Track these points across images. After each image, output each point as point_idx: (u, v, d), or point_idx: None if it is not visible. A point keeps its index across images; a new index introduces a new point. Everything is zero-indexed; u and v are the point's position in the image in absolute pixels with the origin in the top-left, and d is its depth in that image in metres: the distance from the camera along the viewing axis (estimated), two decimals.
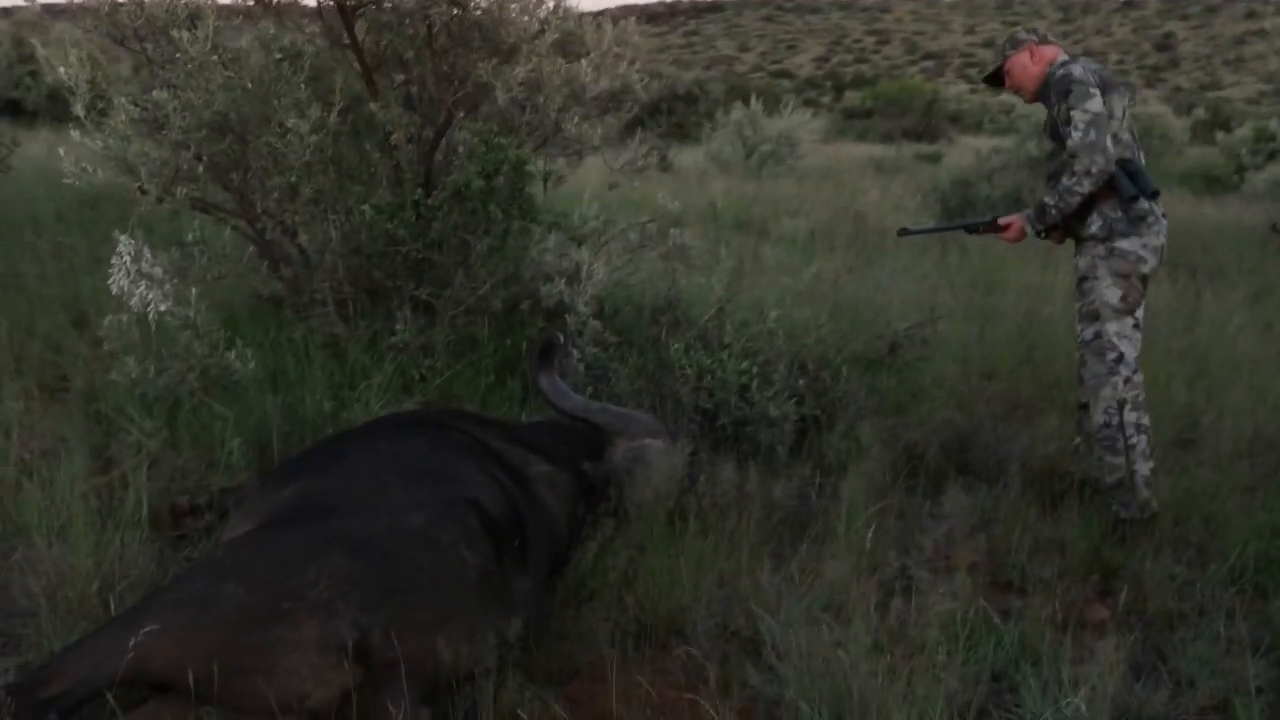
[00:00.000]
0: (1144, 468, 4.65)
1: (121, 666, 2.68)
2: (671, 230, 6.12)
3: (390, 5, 5.34)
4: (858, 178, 14.90)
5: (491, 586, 3.14)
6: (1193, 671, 3.57)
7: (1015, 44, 4.95)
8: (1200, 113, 36.95)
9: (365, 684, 2.76)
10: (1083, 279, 4.77)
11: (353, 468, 3.40)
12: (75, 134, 5.26)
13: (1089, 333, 4.75)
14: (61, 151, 5.28)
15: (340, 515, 3.13)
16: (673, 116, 24.24)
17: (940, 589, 3.86)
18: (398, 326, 5.13)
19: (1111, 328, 4.69)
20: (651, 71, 25.29)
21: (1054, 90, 4.68)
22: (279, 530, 3.11)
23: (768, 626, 3.41)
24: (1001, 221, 5.02)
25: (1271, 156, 11.53)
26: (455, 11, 5.41)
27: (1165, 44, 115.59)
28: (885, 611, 3.53)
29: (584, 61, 5.72)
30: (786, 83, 79.49)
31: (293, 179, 5.33)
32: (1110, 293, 4.68)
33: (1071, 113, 4.55)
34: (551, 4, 6.01)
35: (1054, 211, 4.68)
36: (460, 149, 5.61)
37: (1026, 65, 4.89)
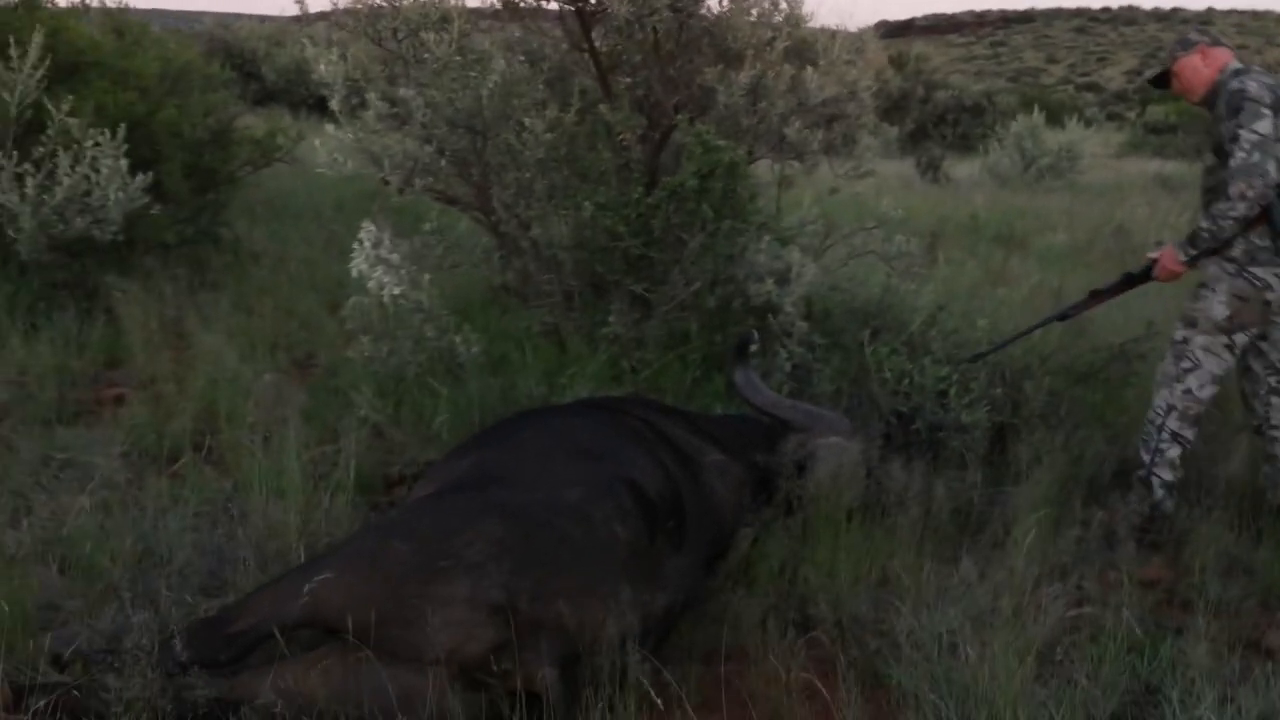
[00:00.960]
0: (1166, 474, 4.73)
1: (297, 610, 2.97)
2: (898, 237, 6.15)
3: (621, 12, 5.55)
4: (1135, 193, 14.40)
5: (641, 563, 3.30)
6: None
7: (1187, 45, 4.79)
8: None
9: (510, 643, 2.96)
10: (1201, 285, 4.70)
11: (525, 444, 3.63)
12: (330, 127, 5.69)
13: (1180, 334, 4.76)
14: (317, 143, 5.72)
15: (505, 486, 3.37)
16: (958, 127, 23.88)
17: (1109, 601, 3.85)
18: (610, 318, 5.35)
19: (1201, 339, 4.68)
20: (938, 83, 25.09)
21: (1224, 103, 4.53)
22: (449, 496, 3.36)
23: (908, 622, 3.46)
24: (1151, 256, 4.89)
25: None
26: (677, 18, 5.59)
27: None
28: (1042, 617, 3.53)
29: (809, 69, 5.82)
30: (1091, 95, 76.92)
31: (528, 175, 5.62)
32: (1219, 308, 4.63)
33: (1239, 131, 4.41)
34: (785, 11, 6.19)
35: (1207, 236, 4.53)
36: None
37: (1198, 68, 4.74)
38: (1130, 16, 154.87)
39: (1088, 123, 30.02)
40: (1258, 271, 4.54)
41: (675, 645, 3.50)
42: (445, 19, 5.65)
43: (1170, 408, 4.70)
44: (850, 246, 6.21)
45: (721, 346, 5.42)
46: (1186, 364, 4.69)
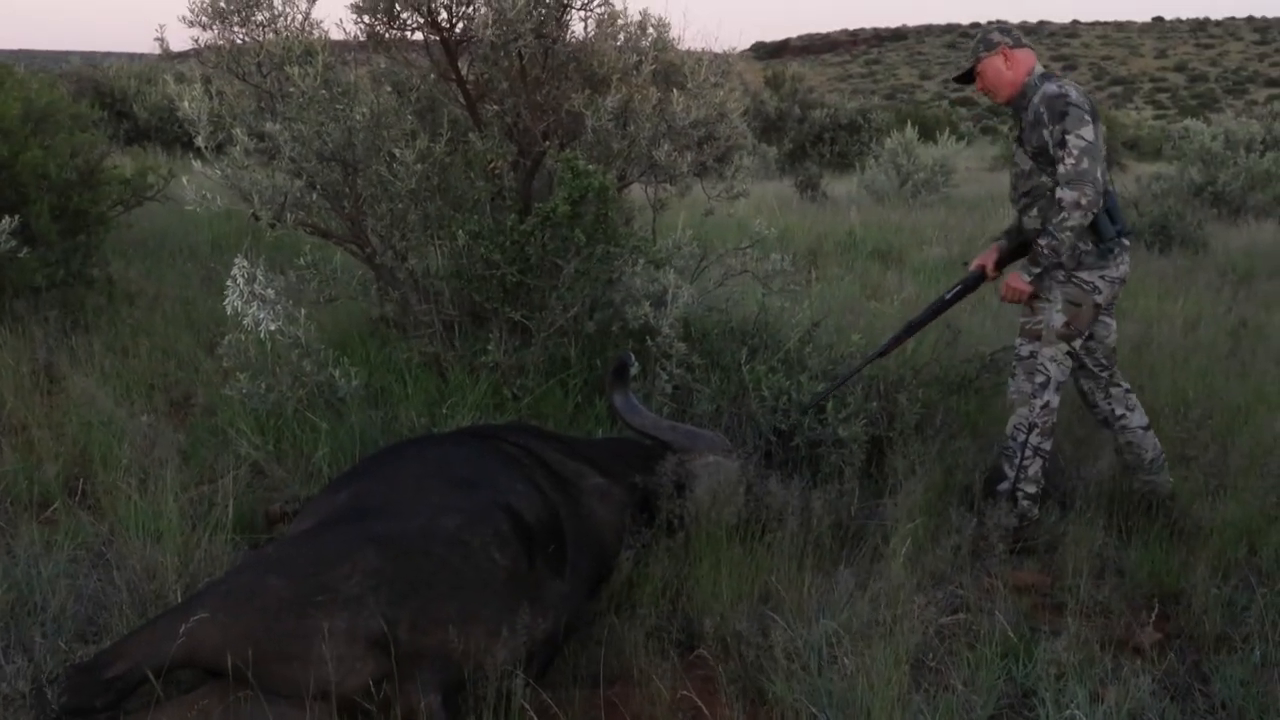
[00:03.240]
0: (1029, 487, 4.81)
1: (173, 651, 2.92)
2: (773, 256, 6.23)
3: (485, 39, 5.57)
4: (1007, 205, 14.68)
5: (521, 588, 3.30)
6: (1229, 695, 3.55)
7: (989, 46, 4.86)
8: None
9: (391, 674, 2.95)
10: (1034, 297, 4.78)
11: (401, 474, 3.62)
12: (196, 164, 5.63)
13: (1025, 350, 4.84)
14: (185, 180, 5.65)
15: (382, 517, 3.35)
16: (835, 145, 24.18)
17: (987, 608, 3.93)
18: (489, 346, 5.35)
19: (1047, 351, 4.77)
20: (814, 102, 25.40)
21: (1047, 108, 4.62)
22: (325, 530, 3.34)
23: (787, 637, 3.50)
24: (974, 266, 4.99)
25: None
26: (542, 44, 5.63)
27: None
28: (918, 626, 3.60)
29: (676, 92, 5.88)
30: (965, 110, 78.48)
31: (401, 206, 5.60)
32: (1057, 317, 4.74)
33: (1066, 136, 4.51)
34: (652, 35, 6.25)
35: (1047, 252, 4.61)
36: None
37: (1000, 69, 4.83)
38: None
39: (961, 137, 30.63)
40: (1084, 275, 4.69)
41: (559, 670, 3.52)
42: (309, 52, 5.63)
43: (1031, 425, 4.78)
44: (726, 267, 6.28)
45: (601, 371, 5.45)
46: (1040, 378, 4.78)
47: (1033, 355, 4.79)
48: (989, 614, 3.84)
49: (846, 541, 4.35)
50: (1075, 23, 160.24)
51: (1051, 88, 4.66)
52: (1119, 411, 4.95)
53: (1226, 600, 4.08)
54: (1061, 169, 4.50)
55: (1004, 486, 4.80)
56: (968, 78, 4.99)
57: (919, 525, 4.19)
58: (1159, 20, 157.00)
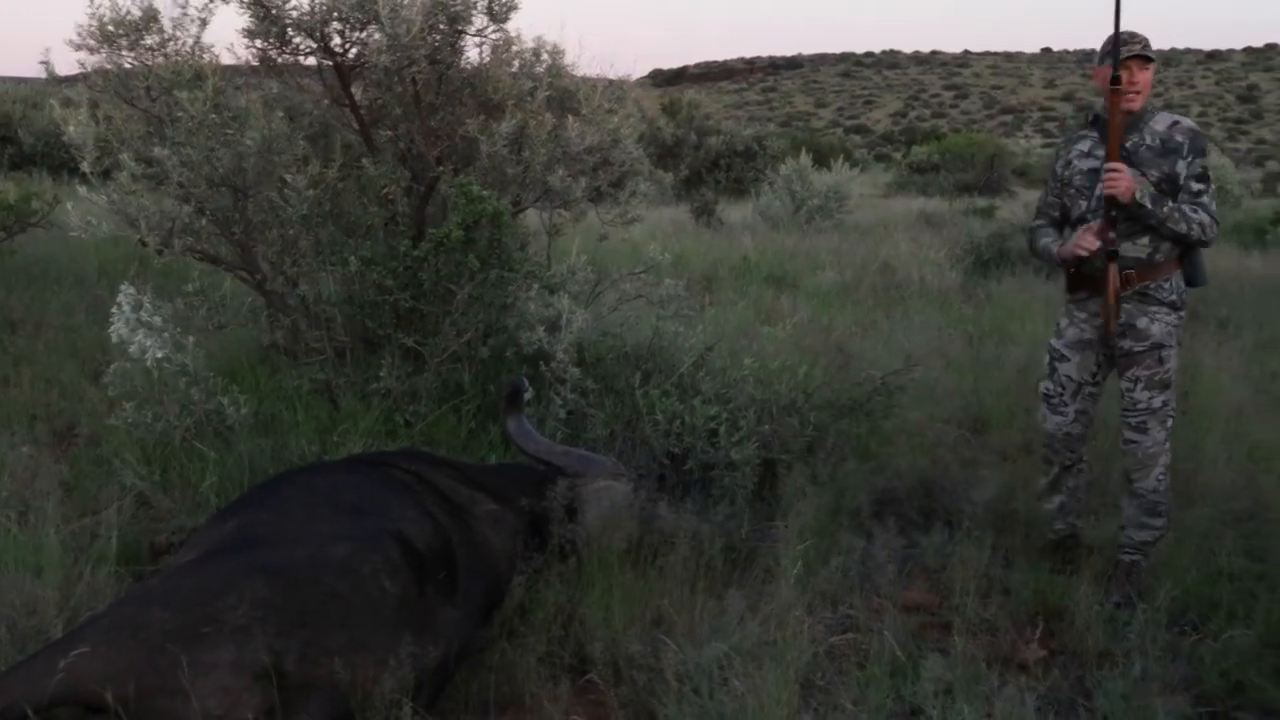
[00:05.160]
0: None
1: (52, 687, 2.85)
2: (667, 281, 6.27)
3: (379, 64, 5.55)
4: (899, 232, 14.96)
5: (412, 616, 3.28)
6: (1110, 708, 3.63)
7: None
8: (1274, 164, 36.49)
9: (279, 706, 2.91)
10: (1159, 346, 4.56)
11: (289, 503, 3.58)
12: (82, 189, 5.54)
13: (1158, 400, 4.60)
14: (69, 206, 5.55)
15: (269, 546, 3.31)
16: (731, 172, 24.38)
17: (876, 628, 3.99)
18: (381, 373, 5.32)
19: (1173, 399, 4.66)
20: (710, 129, 25.58)
21: (1189, 140, 4.51)
22: (211, 560, 3.28)
23: (678, 659, 3.52)
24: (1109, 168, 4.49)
25: None
26: (436, 69, 5.63)
27: (1249, 96, 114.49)
28: (808, 646, 3.64)
29: (571, 118, 5.90)
30: (859, 138, 79.67)
31: (292, 232, 5.55)
32: (1176, 363, 4.65)
33: (1208, 171, 4.53)
34: (547, 62, 6.27)
35: (1178, 223, 4.46)
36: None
37: (1150, 82, 4.61)
38: (893, 60, 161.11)
39: (855, 164, 31.06)
40: (1183, 316, 4.69)
41: (450, 697, 3.50)
42: (199, 76, 5.56)
43: (1169, 468, 4.68)
44: (621, 292, 6.30)
45: (495, 396, 5.43)
46: (1170, 424, 4.66)
47: (1165, 405, 4.62)
48: (878, 633, 3.89)
49: (738, 564, 4.39)
50: (966, 53, 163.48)
51: (1187, 120, 4.60)
52: (1085, 456, 4.99)
53: (1108, 616, 4.17)
54: (1206, 201, 4.49)
55: (1154, 536, 4.67)
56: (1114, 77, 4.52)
57: (809, 547, 4.24)
58: (1047, 51, 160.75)
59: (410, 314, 5.46)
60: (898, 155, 50.09)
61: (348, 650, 3.07)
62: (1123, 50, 4.46)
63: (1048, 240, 4.78)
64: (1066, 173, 4.74)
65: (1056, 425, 4.80)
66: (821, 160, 21.91)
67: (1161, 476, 4.64)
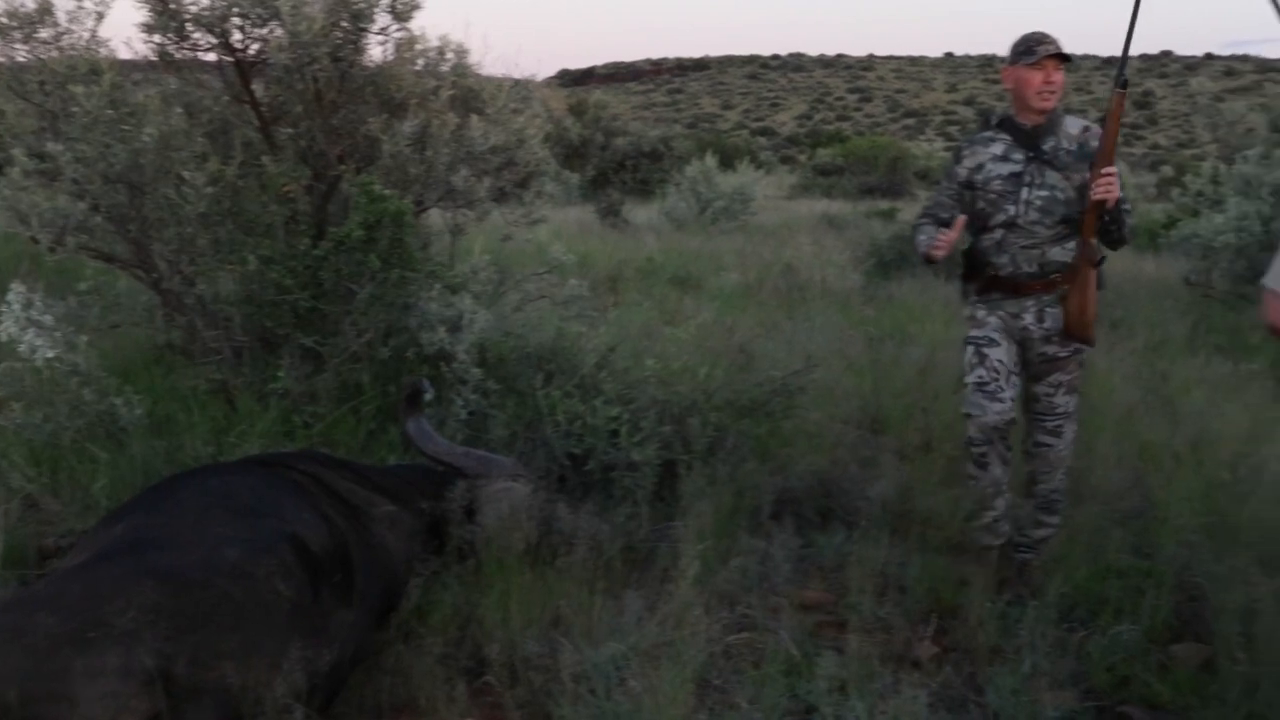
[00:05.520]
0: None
1: None
2: (571, 281, 6.28)
3: (280, 61, 5.50)
4: (802, 234, 15.11)
5: (306, 619, 3.26)
6: (1001, 704, 3.70)
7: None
8: (1168, 169, 37.29)
9: (168, 711, 2.87)
10: (1079, 350, 4.67)
11: (181, 505, 3.53)
12: None
13: (1073, 404, 4.74)
14: None
15: (160, 549, 3.26)
16: (637, 173, 24.45)
17: (773, 627, 4.03)
18: (280, 373, 5.26)
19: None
20: (617, 130, 25.62)
21: (1091, 145, 4.53)
22: (99, 563, 3.23)
23: (574, 660, 3.53)
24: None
25: (1196, 214, 11.78)
26: (338, 67, 5.58)
27: (1144, 102, 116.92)
28: (705, 646, 3.66)
29: (474, 117, 5.89)
30: (765, 140, 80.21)
31: (190, 230, 5.47)
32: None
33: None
34: (452, 61, 6.24)
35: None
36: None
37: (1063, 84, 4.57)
38: (798, 63, 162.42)
39: (760, 166, 31.30)
40: None
41: (345, 700, 3.48)
42: (95, 71, 5.46)
43: (1068, 469, 4.83)
44: (524, 292, 6.29)
45: (396, 397, 5.39)
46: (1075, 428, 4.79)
47: (1076, 409, 4.75)
48: (775, 632, 3.94)
49: (637, 565, 4.41)
50: (871, 56, 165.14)
51: (1094, 125, 4.62)
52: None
53: (1000, 614, 4.24)
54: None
55: (1048, 534, 4.81)
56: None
57: (708, 547, 4.26)
58: (950, 56, 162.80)
59: (310, 314, 5.40)
60: (803, 157, 50.49)
61: (239, 654, 3.04)
62: (1041, 49, 4.47)
63: (924, 236, 4.66)
64: (979, 178, 4.64)
65: (998, 414, 4.60)
66: (727, 162, 22.09)
67: (1063, 476, 4.79)
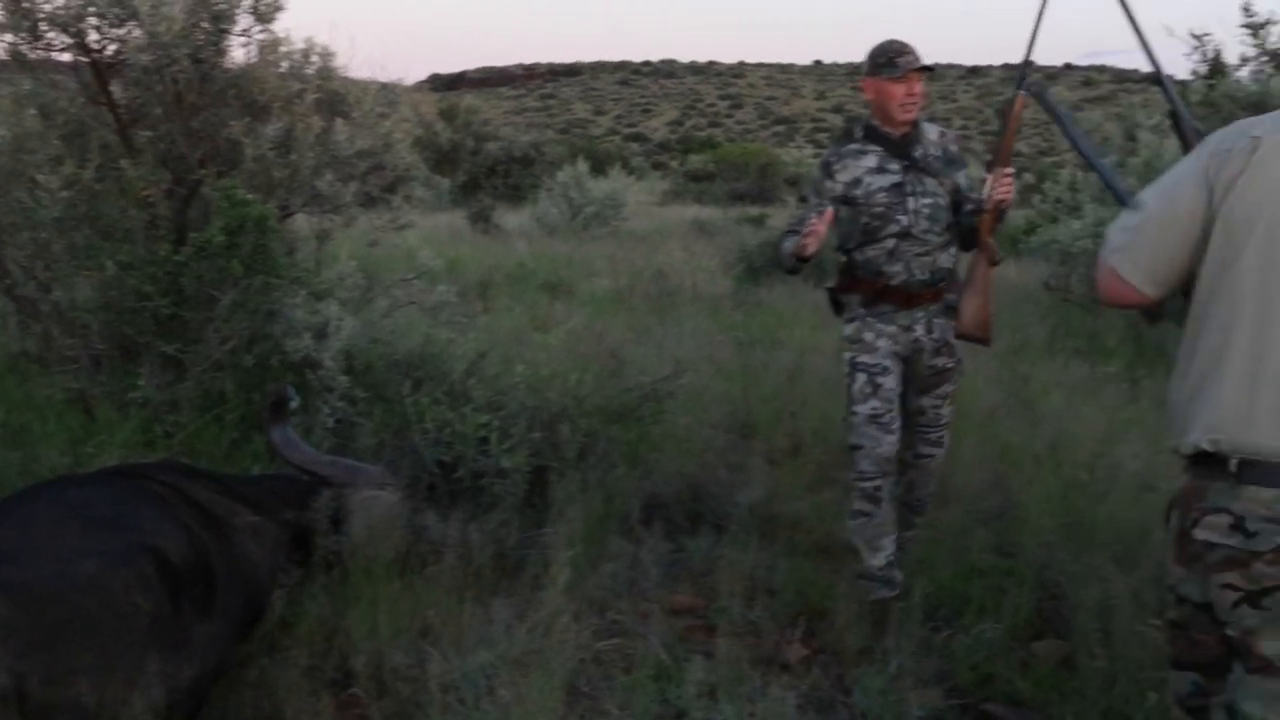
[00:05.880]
0: None
1: None
2: (440, 287, 6.23)
3: (139, 63, 5.38)
4: (673, 239, 15.20)
5: (165, 633, 3.18)
6: (868, 704, 3.75)
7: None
8: (1029, 176, 38.17)
9: None
10: (960, 359, 4.62)
11: (35, 517, 3.42)
12: None
13: (952, 414, 4.74)
14: None
15: (12, 563, 3.15)
16: (508, 178, 24.39)
17: (644, 632, 4.04)
18: (140, 382, 5.14)
19: None
20: (488, 135, 25.53)
21: (958, 150, 4.60)
22: None
23: (443, 670, 3.51)
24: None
25: (1055, 220, 12.11)
26: (199, 69, 5.48)
27: (1006, 110, 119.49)
28: (574, 653, 3.66)
29: (339, 121, 5.82)
30: (637, 145, 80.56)
31: (45, 235, 5.33)
32: None
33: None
34: (317, 63, 6.16)
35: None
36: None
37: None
38: (670, 70, 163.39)
39: (632, 172, 31.42)
40: None
41: (208, 716, 3.40)
42: None
43: None
44: (392, 299, 6.22)
45: (260, 405, 5.30)
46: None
47: (953, 417, 4.75)
48: (644, 638, 3.95)
49: (507, 572, 4.39)
50: (742, 64, 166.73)
51: (949, 130, 4.64)
52: None
53: (869, 612, 4.30)
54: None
55: (914, 534, 4.81)
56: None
57: (578, 553, 4.26)
58: (819, 63, 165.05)
59: (171, 321, 5.29)
60: (674, 163, 50.74)
61: (96, 670, 2.95)
62: (903, 62, 4.42)
63: (789, 242, 4.43)
64: (859, 192, 4.46)
65: (891, 445, 4.46)
66: (599, 168, 22.13)
67: (935, 482, 4.83)
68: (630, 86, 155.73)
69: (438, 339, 5.77)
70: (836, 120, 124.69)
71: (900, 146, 4.51)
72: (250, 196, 5.24)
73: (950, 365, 4.57)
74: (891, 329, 4.48)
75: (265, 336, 5.48)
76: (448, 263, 11.95)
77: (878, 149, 4.52)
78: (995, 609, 4.35)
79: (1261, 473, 2.32)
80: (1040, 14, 4.15)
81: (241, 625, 3.65)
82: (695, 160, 38.93)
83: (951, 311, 4.47)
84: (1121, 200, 2.87)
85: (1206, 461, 2.39)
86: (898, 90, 4.42)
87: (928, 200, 4.45)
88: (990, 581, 4.54)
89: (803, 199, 4.71)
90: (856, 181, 4.49)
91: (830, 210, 4.34)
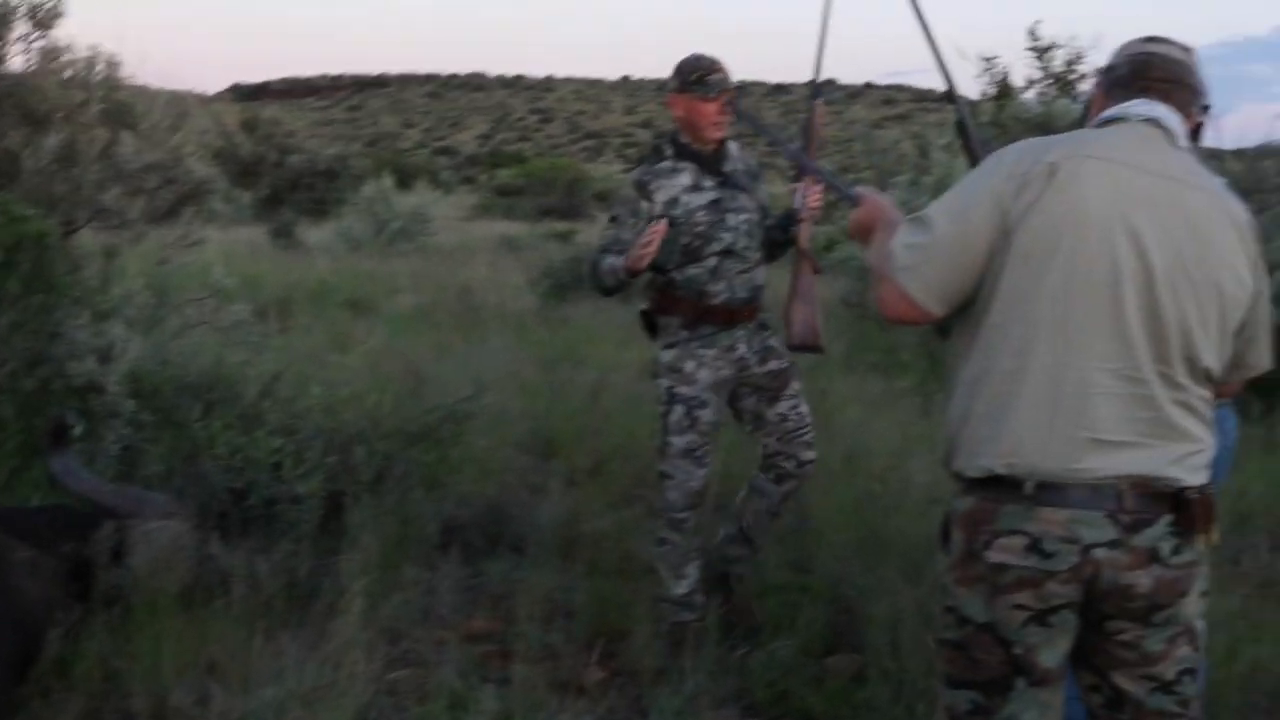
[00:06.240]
0: None
1: None
2: (234, 306, 6.06)
3: None
4: (481, 255, 15.12)
5: None
6: None
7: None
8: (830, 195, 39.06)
9: None
10: (792, 361, 4.57)
11: None
12: None
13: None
14: None
15: None
16: (313, 192, 23.97)
17: (439, 660, 3.97)
18: None
19: None
20: (292, 147, 25.07)
21: (757, 167, 4.61)
22: None
23: (227, 707, 3.40)
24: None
25: None
26: None
27: (809, 123, 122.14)
28: (370, 686, 3.58)
29: (126, 133, 5.63)
30: (446, 159, 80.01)
31: None
32: None
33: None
34: (102, 73, 5.95)
35: None
36: None
37: None
38: (479, 83, 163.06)
39: (440, 186, 31.23)
40: None
41: None
42: None
43: None
44: (183, 318, 6.03)
45: (41, 432, 5.08)
46: None
47: None
48: (439, 666, 3.88)
49: (300, 602, 4.27)
50: (551, 78, 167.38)
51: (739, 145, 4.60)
52: None
53: (667, 633, 4.31)
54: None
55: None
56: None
57: (374, 580, 4.17)
58: (627, 79, 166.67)
59: None
60: (483, 178, 50.58)
61: None
62: (714, 80, 4.37)
63: (612, 259, 4.37)
64: (678, 212, 4.36)
65: (701, 480, 4.41)
66: (405, 182, 21.92)
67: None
68: (439, 99, 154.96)
69: (231, 360, 5.62)
70: (646, 135, 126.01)
71: (712, 163, 4.46)
72: (29, 211, 5.01)
73: (785, 366, 4.52)
74: (713, 352, 4.40)
75: (47, 359, 5.24)
76: (246, 280, 11.65)
77: (691, 166, 4.45)
78: (791, 625, 4.40)
79: (1057, 494, 2.37)
80: (823, 32, 4.22)
81: (15, 667, 3.49)
82: (504, 175, 38.91)
83: (765, 324, 4.52)
84: (850, 200, 2.89)
85: (997, 484, 2.43)
86: (709, 108, 4.38)
87: (744, 216, 4.43)
88: (786, 598, 4.59)
89: (614, 219, 4.55)
90: (674, 201, 4.40)
91: (664, 223, 4.25)
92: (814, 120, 4.39)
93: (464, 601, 4.52)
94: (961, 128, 3.50)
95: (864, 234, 2.77)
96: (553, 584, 4.60)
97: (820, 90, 4.38)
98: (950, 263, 2.46)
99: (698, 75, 4.40)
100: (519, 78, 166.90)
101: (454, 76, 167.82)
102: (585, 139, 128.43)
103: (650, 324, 4.57)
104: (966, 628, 2.49)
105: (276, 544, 4.54)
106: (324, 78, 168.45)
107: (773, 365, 4.50)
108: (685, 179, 4.43)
